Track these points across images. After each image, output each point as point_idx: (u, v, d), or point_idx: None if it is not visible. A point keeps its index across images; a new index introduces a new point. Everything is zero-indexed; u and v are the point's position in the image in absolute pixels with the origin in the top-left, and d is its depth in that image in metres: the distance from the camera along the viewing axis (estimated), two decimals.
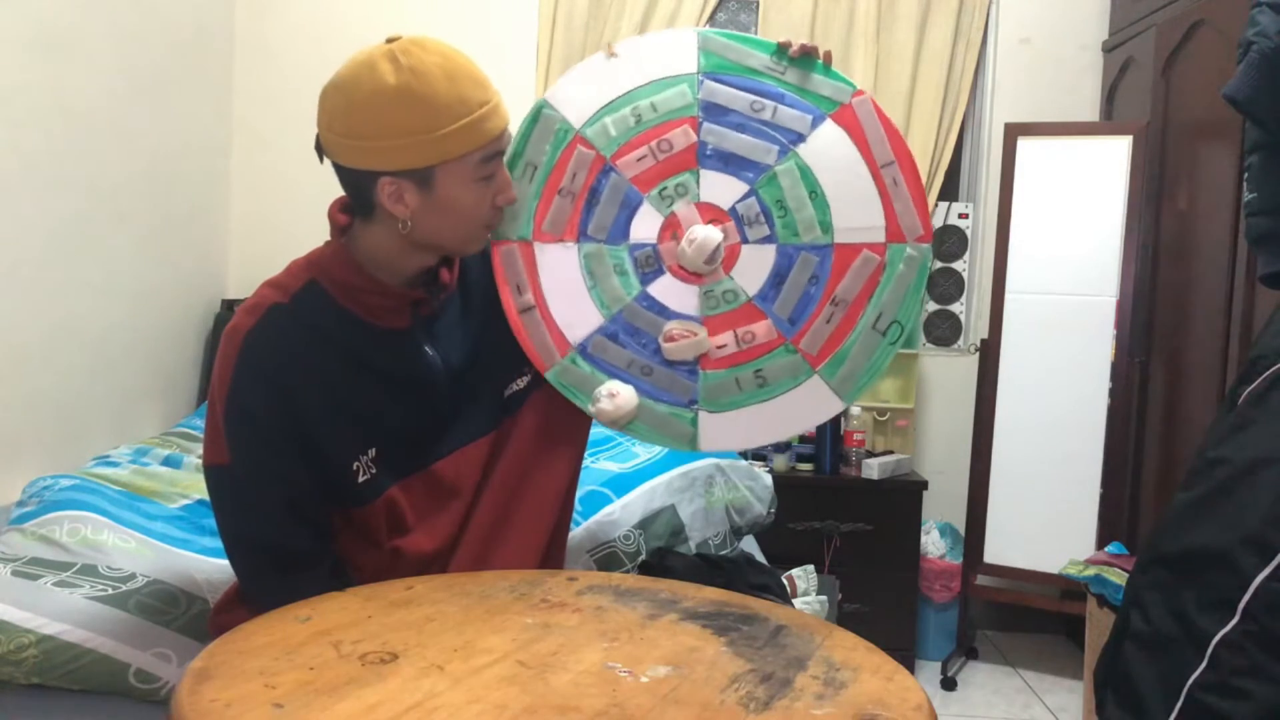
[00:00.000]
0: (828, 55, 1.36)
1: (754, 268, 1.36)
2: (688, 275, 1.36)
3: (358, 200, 1.23)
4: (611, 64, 1.39)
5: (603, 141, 1.36)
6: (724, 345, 1.34)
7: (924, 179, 3.21)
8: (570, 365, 1.34)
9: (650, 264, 1.36)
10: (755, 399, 1.34)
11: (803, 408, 1.35)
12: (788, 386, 1.35)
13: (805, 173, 1.35)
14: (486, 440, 1.34)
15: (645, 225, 1.36)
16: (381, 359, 1.25)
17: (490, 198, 1.25)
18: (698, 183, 1.36)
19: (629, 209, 1.36)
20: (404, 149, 1.17)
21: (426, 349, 1.29)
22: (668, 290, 1.36)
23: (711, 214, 1.36)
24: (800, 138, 1.36)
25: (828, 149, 1.35)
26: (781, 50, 1.36)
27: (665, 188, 1.36)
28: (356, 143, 1.17)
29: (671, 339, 1.34)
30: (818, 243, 1.35)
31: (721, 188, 1.37)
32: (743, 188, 1.36)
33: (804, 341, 1.34)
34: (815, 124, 1.36)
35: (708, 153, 1.36)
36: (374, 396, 1.25)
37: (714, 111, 1.36)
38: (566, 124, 1.36)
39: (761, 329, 1.35)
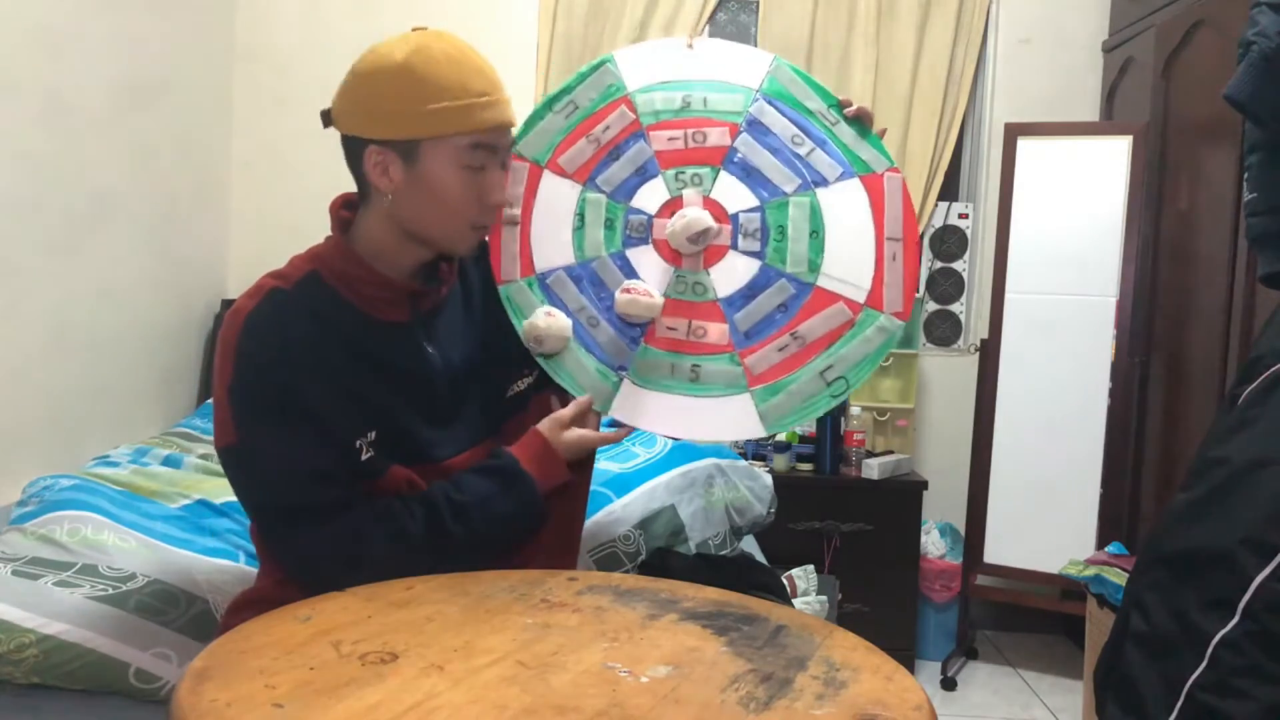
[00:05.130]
0: (882, 131, 1.41)
1: (733, 274, 1.38)
2: (670, 254, 1.37)
3: (354, 174, 1.27)
4: (684, 54, 1.44)
5: (646, 111, 1.41)
6: (674, 329, 1.36)
7: (924, 179, 3.22)
8: (525, 287, 1.37)
9: (640, 231, 1.38)
10: (682, 389, 1.35)
11: (723, 418, 1.35)
12: (718, 392, 1.35)
13: (815, 211, 1.38)
14: (491, 444, 1.34)
15: (650, 196, 1.39)
16: (380, 350, 1.25)
17: (478, 193, 1.25)
18: (714, 180, 1.39)
19: (642, 177, 1.39)
20: (390, 116, 1.20)
21: (427, 346, 1.29)
22: (644, 260, 1.38)
23: (715, 211, 1.38)
24: (824, 182, 1.38)
25: (845, 203, 1.38)
26: (840, 105, 1.41)
27: (683, 172, 1.39)
28: (351, 108, 1.23)
29: (628, 291, 1.35)
30: (800, 277, 1.37)
31: (733, 193, 1.39)
32: (753, 201, 1.38)
33: (751, 358, 1.35)
34: (843, 177, 1.39)
35: (735, 159, 1.39)
36: (372, 385, 1.24)
37: (757, 128, 1.40)
38: (621, 83, 1.42)
39: (715, 330, 1.36)
